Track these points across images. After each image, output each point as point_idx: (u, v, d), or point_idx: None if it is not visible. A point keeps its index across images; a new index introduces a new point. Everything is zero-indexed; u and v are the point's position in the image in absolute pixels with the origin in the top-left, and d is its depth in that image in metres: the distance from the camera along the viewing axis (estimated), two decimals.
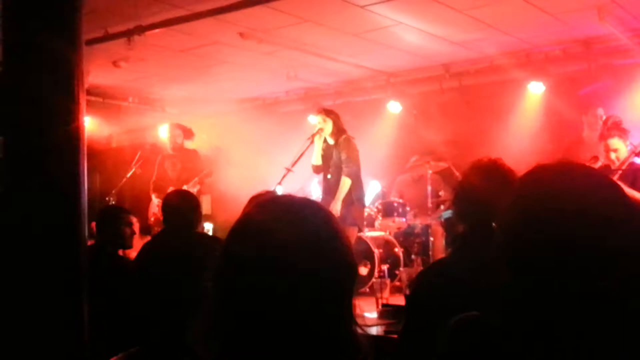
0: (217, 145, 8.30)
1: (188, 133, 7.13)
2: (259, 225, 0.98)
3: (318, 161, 5.65)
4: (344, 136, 5.53)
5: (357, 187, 5.50)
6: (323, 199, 5.60)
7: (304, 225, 0.98)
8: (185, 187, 6.46)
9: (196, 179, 6.70)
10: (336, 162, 5.53)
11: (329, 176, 5.62)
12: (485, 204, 1.81)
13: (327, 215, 1.03)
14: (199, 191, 6.78)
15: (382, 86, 7.91)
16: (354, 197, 5.45)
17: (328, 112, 5.63)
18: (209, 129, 8.65)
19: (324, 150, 5.65)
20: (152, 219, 6.60)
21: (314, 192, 6.91)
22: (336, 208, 5.33)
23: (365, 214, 6.69)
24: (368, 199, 7.18)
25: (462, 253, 1.91)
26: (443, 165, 6.63)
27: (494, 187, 1.87)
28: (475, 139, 6.92)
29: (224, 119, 8.63)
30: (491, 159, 1.98)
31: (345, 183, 5.43)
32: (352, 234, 5.42)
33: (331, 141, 5.59)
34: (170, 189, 5.66)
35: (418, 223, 6.77)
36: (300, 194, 1.06)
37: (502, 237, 1.08)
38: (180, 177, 6.82)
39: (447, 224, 2.09)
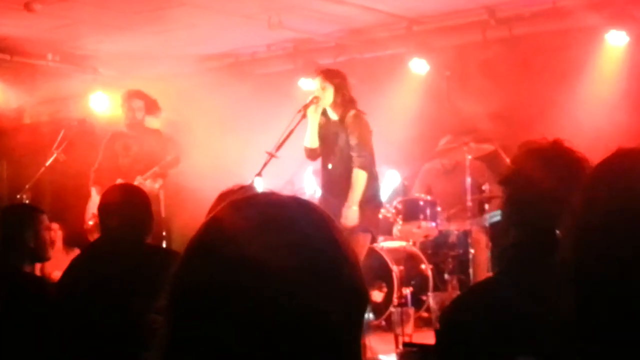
0: (171, 120, 8.32)
1: (152, 106, 7.05)
2: (229, 235, 0.98)
3: (314, 143, 5.64)
4: (352, 112, 5.52)
5: (369, 180, 5.50)
6: (322, 197, 5.61)
7: (293, 236, 0.98)
8: (139, 180, 6.42)
9: (156, 168, 6.63)
10: (342, 146, 5.52)
11: (330, 166, 5.62)
12: (546, 204, 1.83)
13: (325, 222, 1.03)
14: (162, 186, 6.75)
15: (401, 37, 7.91)
16: (366, 194, 5.45)
17: (330, 75, 5.60)
18: (159, 97, 8.65)
19: (322, 127, 5.64)
20: (92, 222, 6.46)
21: (308, 186, 6.93)
22: (351, 215, 5.33)
23: (379, 215, 6.75)
24: (383, 196, 7.22)
25: (514, 272, 1.91)
26: (488, 148, 6.67)
27: (557, 180, 1.88)
28: (532, 112, 6.95)
29: (180, 83, 8.63)
30: (551, 140, 1.98)
31: (360, 178, 5.43)
32: (362, 244, 5.43)
33: (334, 116, 5.57)
34: (120, 181, 5.65)
35: (453, 229, 6.82)
36: (288, 190, 1.07)
37: (570, 252, 1.09)
38: (135, 165, 6.78)
39: (494, 231, 2.12)
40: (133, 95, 6.95)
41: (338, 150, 5.56)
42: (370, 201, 5.54)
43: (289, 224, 1.00)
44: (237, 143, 7.87)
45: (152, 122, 7.04)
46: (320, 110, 5.62)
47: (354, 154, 5.46)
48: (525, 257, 1.89)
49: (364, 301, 1.04)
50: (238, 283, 0.94)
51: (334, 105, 5.57)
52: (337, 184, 5.53)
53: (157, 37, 7.91)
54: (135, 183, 6.34)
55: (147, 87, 8.28)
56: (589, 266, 1.05)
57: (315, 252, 0.99)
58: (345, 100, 5.54)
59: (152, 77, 8.60)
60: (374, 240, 5.72)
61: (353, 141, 5.48)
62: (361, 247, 5.41)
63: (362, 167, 5.45)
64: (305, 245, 0.99)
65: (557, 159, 1.94)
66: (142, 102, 6.93)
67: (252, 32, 7.93)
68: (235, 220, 1.00)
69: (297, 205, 1.03)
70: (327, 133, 5.64)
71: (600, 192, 1.09)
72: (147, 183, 6.46)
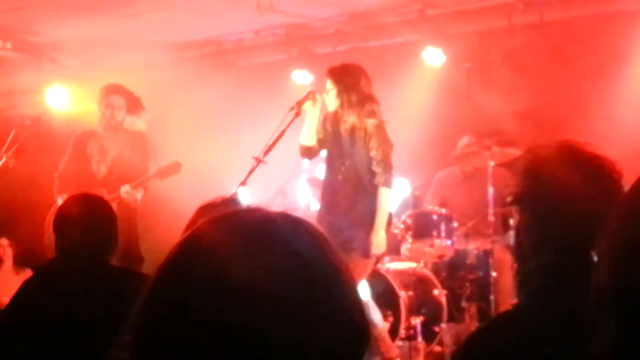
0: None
1: (134, 105, 6.90)
2: (207, 257, 0.99)
3: (310, 140, 5.66)
4: (373, 121, 5.53)
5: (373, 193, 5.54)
6: (322, 213, 5.59)
7: (281, 260, 0.99)
8: (126, 189, 6.32)
9: (150, 174, 6.51)
10: (358, 157, 5.56)
11: (340, 177, 5.63)
12: (574, 221, 1.83)
13: (320, 243, 1.04)
14: (144, 198, 6.63)
15: (413, 22, 7.92)
16: (369, 210, 5.47)
17: (341, 72, 5.60)
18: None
19: (328, 123, 5.66)
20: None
21: (302, 197, 6.91)
22: (379, 241, 5.44)
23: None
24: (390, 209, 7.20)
25: (539, 303, 1.90)
26: (514, 152, 6.66)
27: (593, 191, 1.88)
28: (566, 110, 6.96)
29: (152, 76, 8.59)
30: (564, 143, 1.97)
31: (387, 199, 5.51)
32: (363, 266, 5.44)
33: (350, 117, 5.56)
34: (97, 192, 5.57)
35: (472, 248, 6.83)
36: (278, 202, 1.08)
37: (607, 275, 1.09)
38: (113, 173, 6.68)
39: (520, 250, 2.11)
40: (113, 90, 6.74)
41: (352, 161, 5.58)
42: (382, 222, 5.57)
43: (277, 245, 1.01)
44: (220, 146, 7.88)
45: (134, 124, 6.90)
46: (319, 105, 5.64)
47: (378, 169, 5.50)
48: (551, 284, 1.89)
49: (364, 336, 1.04)
50: (217, 313, 0.95)
51: (349, 106, 5.55)
52: (344, 200, 5.54)
53: (126, 22, 7.91)
54: (122, 192, 6.30)
55: (115, 79, 8.29)
56: (630, 291, 1.05)
57: (307, 279, 1.00)
58: (356, 102, 5.54)
59: (120, 69, 8.58)
60: (376, 261, 5.73)
61: (376, 156, 5.52)
62: (365, 271, 5.42)
63: (388, 185, 5.55)
64: (296, 271, 0.99)
65: (591, 167, 1.93)
66: (124, 99, 6.75)
67: (238, 16, 7.94)
68: (215, 240, 1.01)
69: (286, 223, 1.04)
70: (338, 137, 5.64)
71: None
72: (136, 194, 6.37)
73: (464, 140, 7.16)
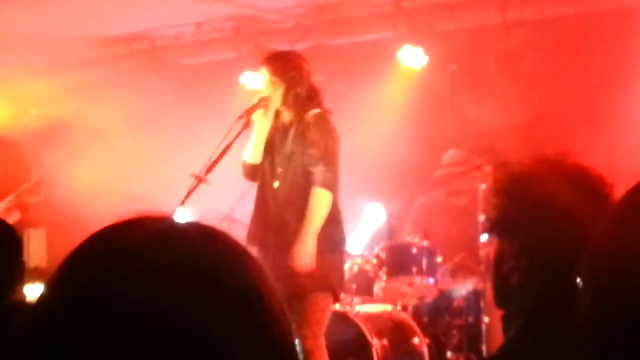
0: (57, 128, 8.24)
1: None
2: (94, 279, 1.03)
3: (256, 157, 5.62)
4: (314, 111, 5.53)
5: (331, 216, 5.46)
6: (253, 230, 5.53)
7: (191, 277, 1.02)
8: None
9: (11, 197, 6.60)
10: (293, 158, 5.53)
11: (276, 184, 5.62)
12: (569, 240, 1.87)
13: (242, 260, 1.08)
14: (21, 220, 6.69)
15: (388, 17, 7.98)
16: (325, 237, 5.42)
17: (280, 63, 5.64)
18: (42, 97, 8.58)
19: (272, 136, 5.65)
20: None
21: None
22: (305, 251, 5.32)
23: (354, 267, 6.63)
24: (361, 240, 7.11)
25: (532, 337, 1.96)
26: None
27: (580, 209, 1.93)
28: (568, 122, 7.01)
29: (72, 76, 8.57)
30: (563, 157, 2.04)
31: (324, 200, 5.42)
32: (322, 307, 5.42)
33: (287, 116, 5.61)
34: None
35: (460, 288, 6.82)
36: (224, 225, 1.11)
37: (590, 305, 1.13)
38: None
39: (504, 286, 2.18)
40: None
41: (286, 163, 5.57)
42: (331, 247, 5.50)
43: (183, 259, 1.04)
44: (155, 161, 7.86)
45: None
46: (271, 115, 5.62)
47: (315, 168, 5.43)
48: (545, 315, 1.94)
49: None
50: (104, 339, 0.99)
51: (285, 105, 5.57)
52: (282, 211, 5.51)
53: (36, 12, 7.85)
54: None
55: (23, 84, 8.23)
56: (612, 324, 1.09)
57: (221, 298, 1.03)
58: (300, 99, 5.55)
59: (32, 70, 8.55)
60: (336, 300, 5.68)
61: (314, 151, 5.45)
62: (320, 311, 5.38)
63: (328, 186, 5.41)
64: (207, 289, 1.02)
65: (562, 181, 1.99)
66: None
67: (176, 5, 7.93)
68: (107, 254, 1.05)
69: (200, 235, 1.08)
70: (272, 139, 5.65)
71: (632, 226, 1.13)
72: (9, 217, 6.39)
73: (450, 154, 7.17)
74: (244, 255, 1.09)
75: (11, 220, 6.48)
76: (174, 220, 1.11)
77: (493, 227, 2.08)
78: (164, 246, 1.05)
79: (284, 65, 5.62)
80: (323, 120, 5.54)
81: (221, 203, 6.13)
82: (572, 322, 1.21)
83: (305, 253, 5.31)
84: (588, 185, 1.99)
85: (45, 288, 1.07)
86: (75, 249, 1.08)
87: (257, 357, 1.03)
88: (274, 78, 5.56)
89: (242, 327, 1.03)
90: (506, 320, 2.06)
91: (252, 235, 5.46)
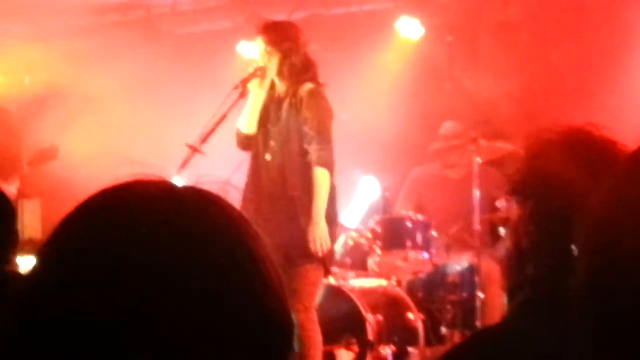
0: (51, 95, 8.22)
1: None
2: (92, 238, 1.03)
3: (251, 126, 5.64)
4: (307, 85, 5.55)
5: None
6: (245, 202, 5.55)
7: (186, 241, 1.03)
8: None
9: (24, 167, 6.50)
10: (287, 131, 5.56)
11: (267, 156, 5.64)
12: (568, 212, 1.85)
13: (237, 224, 1.08)
14: (19, 191, 6.66)
15: None
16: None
17: (276, 33, 5.64)
18: (35, 65, 8.55)
19: (266, 107, 5.67)
20: None
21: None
22: (320, 233, 5.37)
23: (349, 241, 6.64)
24: (355, 214, 7.11)
25: (530, 318, 1.94)
26: (505, 147, 6.69)
27: (603, 180, 1.91)
28: (568, 95, 6.99)
29: (66, 44, 8.55)
30: (576, 127, 2.01)
31: (324, 180, 5.45)
32: (313, 280, 5.43)
33: (282, 87, 5.63)
34: None
35: (454, 263, 6.82)
36: (220, 190, 1.12)
37: (585, 274, 1.12)
38: None
39: (517, 252, 2.18)
40: None
41: (280, 136, 5.58)
42: (326, 217, 5.49)
43: (179, 221, 1.04)
44: (150, 131, 7.85)
45: None
46: (266, 85, 5.62)
47: (311, 146, 5.45)
48: (550, 294, 1.91)
49: (286, 336, 1.07)
50: (100, 302, 0.99)
51: (283, 74, 5.58)
52: (274, 184, 5.53)
53: None
54: None
55: (18, 50, 8.20)
56: (608, 295, 1.08)
57: (215, 262, 1.02)
58: (296, 68, 5.55)
59: (25, 37, 8.52)
60: (327, 273, 5.69)
61: (310, 128, 5.46)
62: (311, 284, 5.40)
63: (325, 164, 5.45)
64: (200, 252, 1.02)
65: (594, 154, 1.96)
66: None
67: None
68: (104, 215, 1.05)
69: (196, 198, 1.08)
70: (270, 113, 5.64)
71: (626, 197, 1.12)
72: (9, 187, 6.37)
73: (448, 125, 7.14)
74: (240, 219, 1.09)
75: (12, 187, 6.45)
76: (170, 183, 1.10)
77: (514, 189, 2.07)
78: (160, 208, 1.05)
79: (280, 35, 5.62)
80: (317, 95, 5.54)
81: (217, 172, 6.10)
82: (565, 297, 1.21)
83: (320, 236, 5.35)
84: (615, 157, 1.94)
85: (38, 257, 1.06)
86: (69, 214, 1.07)
87: (252, 323, 1.03)
88: (269, 48, 5.56)
89: (237, 292, 1.03)
90: (510, 292, 2.05)
91: (245, 204, 5.47)
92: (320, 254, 5.34)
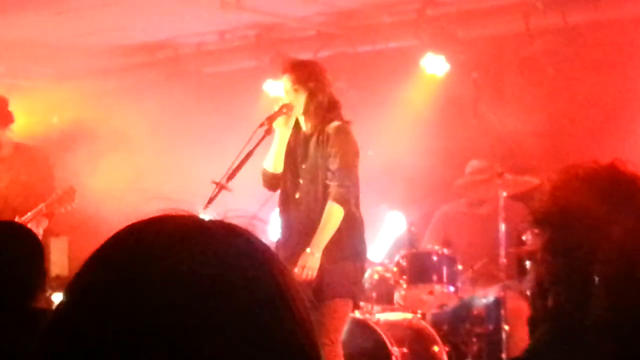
0: (79, 135, 8.27)
1: (2, 109, 7.01)
2: (121, 270, 1.03)
3: (278, 166, 5.65)
4: (335, 123, 5.57)
5: (350, 223, 5.52)
6: (282, 242, 5.59)
7: (215, 275, 1.02)
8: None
9: (42, 206, 6.61)
10: (315, 170, 5.58)
11: (297, 195, 5.66)
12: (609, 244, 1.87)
13: (264, 258, 1.07)
14: (47, 230, 6.71)
15: (411, 24, 7.97)
16: (345, 245, 5.46)
17: (302, 72, 5.68)
18: (64, 105, 8.62)
19: (292, 145, 5.70)
20: None
21: (276, 232, 6.92)
22: (311, 263, 5.37)
23: (375, 276, 6.67)
24: (381, 249, 7.12)
25: (555, 345, 1.94)
26: (530, 181, 6.71)
27: (627, 215, 1.92)
28: (593, 131, 6.98)
29: (93, 86, 8.63)
30: (606, 163, 2.04)
31: (335, 215, 5.46)
32: (341, 315, 5.44)
33: (306, 127, 5.66)
34: None
35: (480, 296, 6.84)
36: (249, 227, 1.11)
37: (605, 305, 1.13)
38: (9, 201, 6.78)
39: (538, 283, 2.18)
40: None
41: (309, 174, 5.60)
42: (352, 255, 5.53)
43: (208, 255, 1.03)
44: (177, 169, 7.89)
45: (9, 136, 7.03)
46: (292, 123, 5.64)
47: (332, 182, 5.46)
48: (570, 326, 1.91)
49: None
50: (130, 333, 0.98)
51: (309, 113, 5.60)
52: (303, 221, 5.54)
53: (60, 19, 7.90)
54: None
55: (45, 92, 8.27)
56: (630, 321, 1.10)
57: (243, 296, 1.02)
58: (322, 107, 5.58)
59: (52, 77, 8.60)
60: (355, 307, 5.70)
61: (332, 164, 5.48)
62: (339, 319, 5.39)
63: (340, 202, 5.44)
64: (229, 286, 1.02)
65: (618, 188, 1.99)
66: None
67: (199, 13, 7.97)
68: (133, 248, 1.04)
69: (222, 232, 1.06)
70: (293, 150, 5.68)
71: None
72: (37, 228, 6.41)
73: (474, 164, 7.17)
74: (268, 253, 1.08)
75: (40, 229, 6.51)
76: (198, 218, 1.09)
77: (537, 220, 2.09)
78: (189, 242, 1.04)
79: (306, 73, 5.65)
80: (343, 131, 5.56)
81: (244, 208, 6.11)
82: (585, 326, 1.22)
83: (312, 266, 5.35)
84: (636, 197, 1.98)
85: (66, 292, 1.06)
86: (98, 248, 1.07)
87: (281, 358, 1.03)
88: (296, 86, 5.57)
89: (266, 326, 1.02)
90: (533, 322, 2.06)
91: (278, 244, 5.52)
92: (306, 279, 5.29)
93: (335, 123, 5.57)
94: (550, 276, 2.02)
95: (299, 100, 5.58)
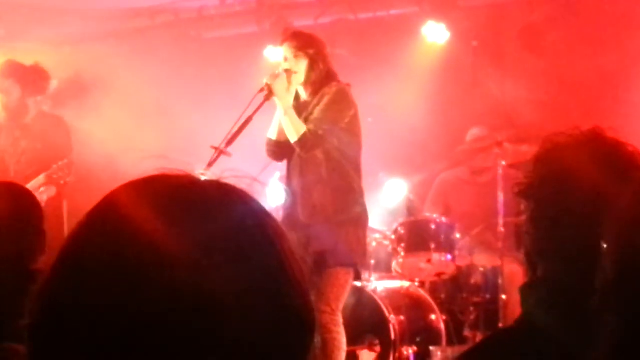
0: (77, 99, 8.26)
1: (33, 79, 6.98)
2: (118, 228, 1.02)
3: (282, 135, 5.64)
4: (333, 86, 5.55)
5: (348, 194, 5.52)
6: (287, 212, 5.62)
7: (211, 233, 1.02)
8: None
9: (42, 176, 6.57)
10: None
11: (300, 164, 5.57)
12: (593, 214, 1.86)
13: (260, 218, 1.07)
14: (58, 195, 6.69)
15: None
16: (346, 211, 5.48)
17: (304, 40, 5.68)
18: (63, 67, 8.60)
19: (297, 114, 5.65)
20: None
21: (275, 199, 6.93)
22: (279, 84, 5.39)
23: (373, 243, 6.69)
24: (378, 216, 7.13)
25: (543, 317, 1.96)
26: (529, 150, 6.69)
27: (613, 183, 1.92)
28: (593, 99, 6.98)
29: (95, 49, 8.61)
30: (587, 130, 2.03)
31: (300, 129, 5.43)
32: (342, 283, 5.43)
33: (306, 94, 5.63)
34: None
35: (478, 265, 6.85)
36: (246, 188, 1.10)
37: (613, 270, 1.16)
38: (27, 168, 6.73)
39: (527, 254, 2.18)
40: (4, 72, 6.86)
41: None
42: (354, 223, 5.53)
43: (205, 214, 1.03)
44: (177, 134, 7.87)
45: (41, 105, 7.00)
46: (294, 89, 5.62)
47: (310, 124, 5.44)
48: (560, 294, 1.95)
49: (309, 333, 1.06)
50: (130, 292, 0.98)
51: (306, 82, 5.60)
52: (307, 190, 5.54)
53: None
54: None
55: (45, 53, 8.24)
56: (634, 284, 1.11)
57: (238, 254, 1.02)
58: (321, 76, 5.57)
59: (54, 40, 8.57)
60: (357, 277, 5.71)
61: (318, 112, 5.45)
62: (340, 287, 5.39)
63: (312, 136, 5.41)
64: (225, 244, 1.02)
65: (600, 154, 1.99)
66: (12, 76, 6.80)
67: None
68: (130, 206, 1.04)
69: (219, 192, 1.07)
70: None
71: None
72: (41, 194, 6.41)
73: (475, 132, 7.17)
74: (263, 213, 1.08)
75: (47, 195, 6.51)
76: (193, 177, 1.09)
77: (522, 192, 2.08)
78: (183, 200, 1.04)
79: (307, 41, 5.64)
80: (340, 92, 5.53)
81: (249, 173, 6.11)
82: (592, 293, 1.23)
83: (278, 86, 5.41)
84: (626, 161, 1.98)
85: (59, 253, 1.06)
86: (89, 213, 1.07)
87: (274, 318, 1.02)
88: (297, 52, 5.55)
89: (259, 285, 1.02)
90: (525, 290, 2.06)
91: (284, 214, 5.53)
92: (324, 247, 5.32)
93: (334, 85, 5.56)
94: (537, 247, 2.03)
95: (300, 67, 5.57)
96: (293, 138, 5.51)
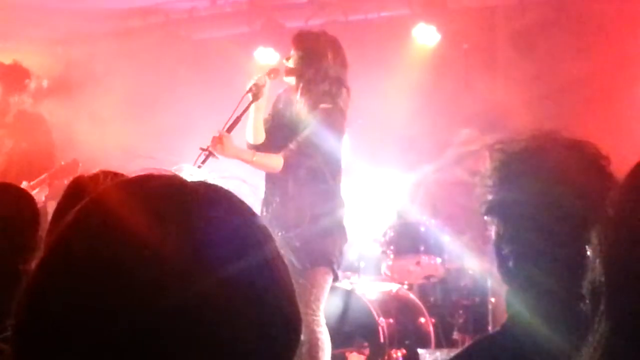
0: (68, 99, 8.25)
1: (13, 78, 7.01)
2: (104, 229, 1.02)
3: (258, 138, 5.58)
4: (325, 105, 5.44)
5: (327, 192, 5.49)
6: (270, 214, 5.55)
7: (199, 233, 1.02)
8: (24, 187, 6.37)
9: (45, 175, 6.58)
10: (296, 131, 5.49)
11: (279, 175, 5.48)
12: (566, 216, 1.90)
13: (247, 218, 1.08)
14: (49, 197, 6.67)
15: None
16: (322, 211, 5.45)
17: (310, 44, 5.56)
18: (50, 68, 8.58)
19: (275, 114, 5.64)
20: None
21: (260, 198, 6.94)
22: (228, 144, 5.30)
23: (361, 247, 6.73)
24: (367, 219, 7.15)
25: (536, 313, 1.97)
26: None
27: (579, 184, 1.94)
28: (587, 103, 6.98)
29: (85, 49, 8.60)
30: (557, 132, 2.03)
31: (273, 159, 5.43)
32: (320, 283, 5.41)
33: (300, 104, 5.46)
34: None
35: (467, 268, 6.84)
36: (233, 189, 1.10)
37: (601, 272, 1.14)
38: (10, 169, 6.72)
39: (505, 268, 2.17)
40: None
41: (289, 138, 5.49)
42: (331, 225, 5.49)
43: (192, 214, 1.03)
44: (167, 135, 7.87)
45: (23, 103, 6.99)
46: (267, 91, 5.54)
47: (290, 144, 5.40)
48: (546, 298, 1.96)
49: (295, 333, 1.06)
50: (117, 292, 0.98)
51: (308, 86, 5.47)
52: (284, 191, 5.52)
53: None
54: None
55: (33, 54, 8.22)
56: (624, 288, 1.11)
57: (225, 254, 1.02)
58: (316, 92, 5.45)
59: (43, 40, 8.56)
60: (335, 278, 5.68)
61: (302, 133, 5.39)
62: (319, 287, 5.37)
63: (285, 159, 5.39)
64: (211, 244, 1.02)
65: (558, 155, 2.00)
66: None
67: None
68: (117, 207, 1.03)
69: (207, 193, 1.06)
70: (282, 122, 5.60)
71: None
72: (38, 194, 6.41)
73: (464, 133, 7.17)
74: (250, 214, 1.08)
75: (41, 195, 6.49)
76: (180, 177, 1.08)
77: (488, 210, 2.07)
78: (170, 202, 1.04)
79: (310, 41, 5.59)
80: (329, 114, 5.42)
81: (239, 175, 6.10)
82: (578, 297, 1.23)
83: (227, 144, 5.32)
84: (584, 159, 1.99)
85: (45, 251, 1.05)
86: (75, 211, 1.06)
87: (262, 320, 1.02)
88: (302, 53, 5.50)
89: (247, 288, 1.02)
90: (510, 296, 2.06)
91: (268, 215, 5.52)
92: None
93: (326, 105, 5.50)
94: (522, 261, 2.03)
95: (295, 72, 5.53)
96: (258, 138, 5.57)
